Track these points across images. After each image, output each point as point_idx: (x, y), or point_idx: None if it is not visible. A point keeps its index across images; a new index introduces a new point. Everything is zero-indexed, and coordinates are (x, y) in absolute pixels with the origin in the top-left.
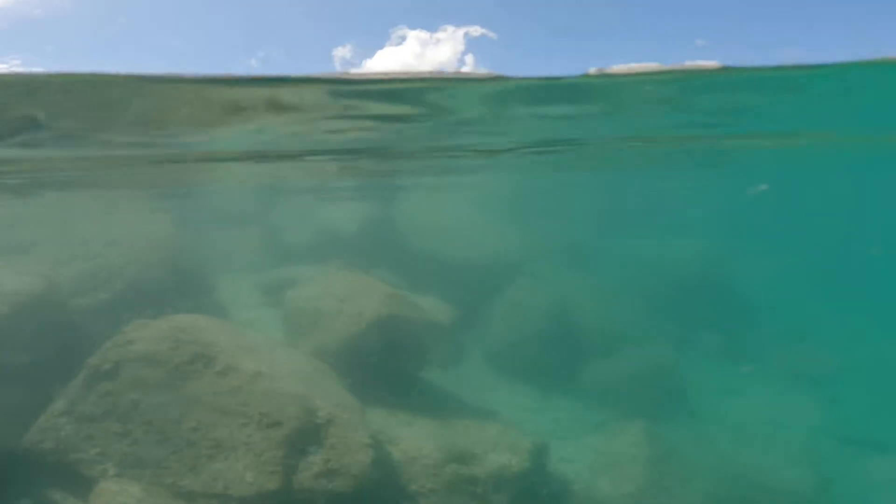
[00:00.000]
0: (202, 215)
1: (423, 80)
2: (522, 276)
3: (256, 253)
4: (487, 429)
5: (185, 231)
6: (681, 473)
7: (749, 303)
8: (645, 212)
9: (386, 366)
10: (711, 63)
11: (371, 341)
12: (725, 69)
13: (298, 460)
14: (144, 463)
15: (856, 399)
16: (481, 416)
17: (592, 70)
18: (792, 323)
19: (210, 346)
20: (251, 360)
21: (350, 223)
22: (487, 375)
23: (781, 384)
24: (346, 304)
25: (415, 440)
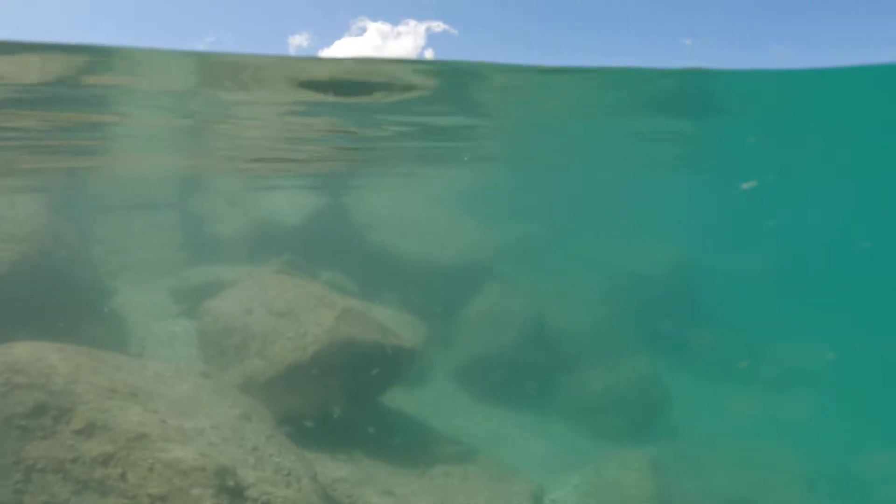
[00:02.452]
0: (94, 195)
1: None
2: (493, 280)
3: (169, 247)
4: (471, 480)
5: (68, 217)
6: None
7: (733, 306)
8: (619, 209)
9: (339, 402)
10: None
11: (319, 372)
12: None
13: None
14: None
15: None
16: (459, 459)
17: None
18: (779, 324)
19: (64, 392)
20: (134, 411)
21: (293, 213)
22: (457, 397)
23: (770, 390)
24: (287, 322)
25: None
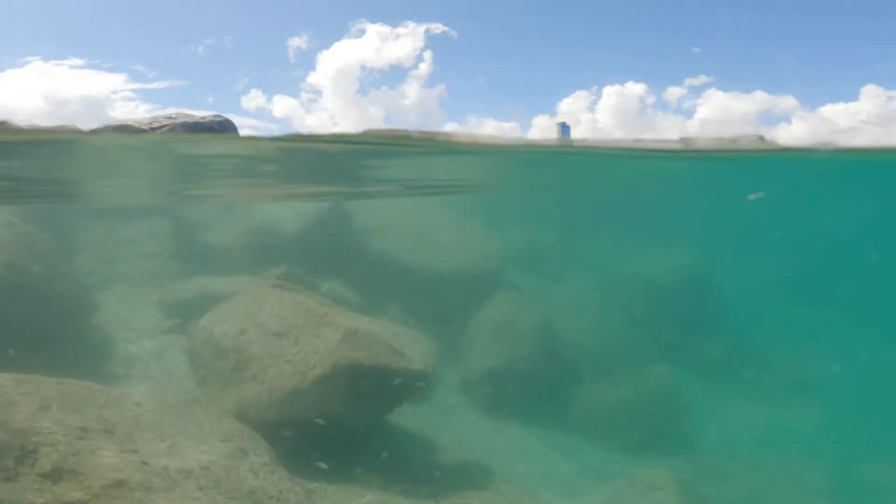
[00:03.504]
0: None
1: None
2: (501, 288)
3: (160, 256)
4: None
5: (49, 225)
6: None
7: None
8: (632, 218)
9: (344, 429)
10: None
11: (321, 399)
12: None
13: None
14: None
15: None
16: (475, 483)
17: None
18: (794, 333)
19: (25, 431)
20: (110, 452)
21: (293, 220)
22: (467, 412)
23: (786, 398)
24: (285, 343)
25: None
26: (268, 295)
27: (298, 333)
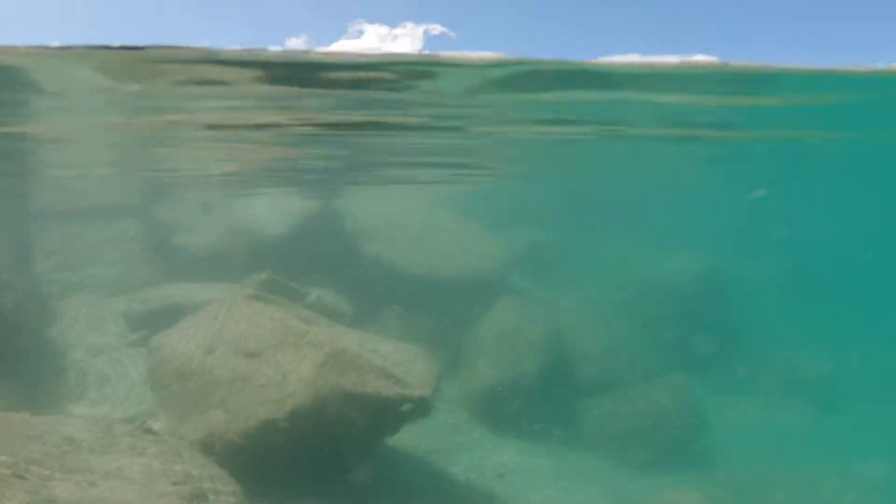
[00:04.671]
0: (35, 200)
1: None
2: (504, 294)
3: (129, 261)
4: None
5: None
6: None
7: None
8: (638, 212)
9: (328, 465)
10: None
11: (300, 431)
12: None
13: None
14: None
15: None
16: None
17: None
18: (815, 339)
19: None
20: (16, 502)
21: (277, 221)
22: (471, 430)
23: (808, 405)
24: (259, 365)
25: None
26: (241, 308)
27: (275, 354)
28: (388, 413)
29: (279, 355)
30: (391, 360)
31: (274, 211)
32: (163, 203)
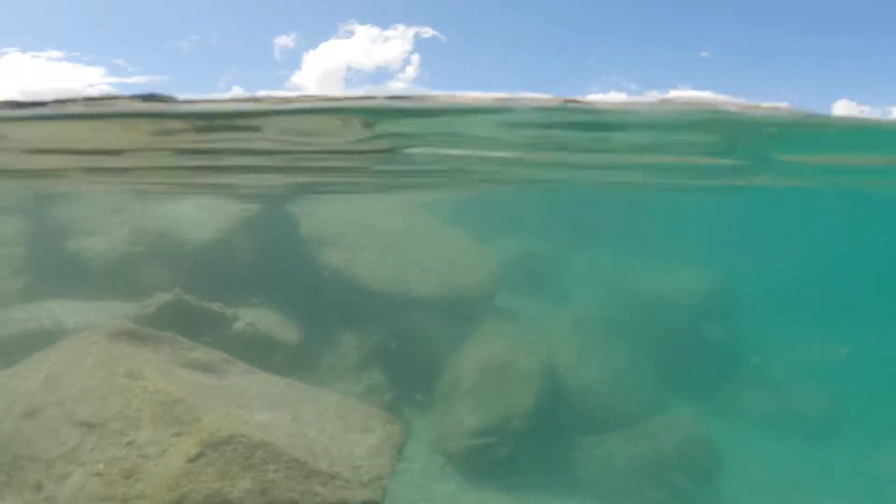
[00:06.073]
0: None
1: None
2: (489, 316)
3: (2, 270)
4: None
5: None
6: None
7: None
8: (638, 222)
9: None
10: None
11: None
12: None
13: None
14: None
15: None
16: None
17: None
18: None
19: None
20: None
21: (205, 223)
22: (449, 484)
23: (823, 438)
24: (102, 443)
25: None
26: (94, 352)
27: (126, 429)
28: None
29: (134, 433)
30: (323, 444)
31: (203, 210)
32: (63, 198)
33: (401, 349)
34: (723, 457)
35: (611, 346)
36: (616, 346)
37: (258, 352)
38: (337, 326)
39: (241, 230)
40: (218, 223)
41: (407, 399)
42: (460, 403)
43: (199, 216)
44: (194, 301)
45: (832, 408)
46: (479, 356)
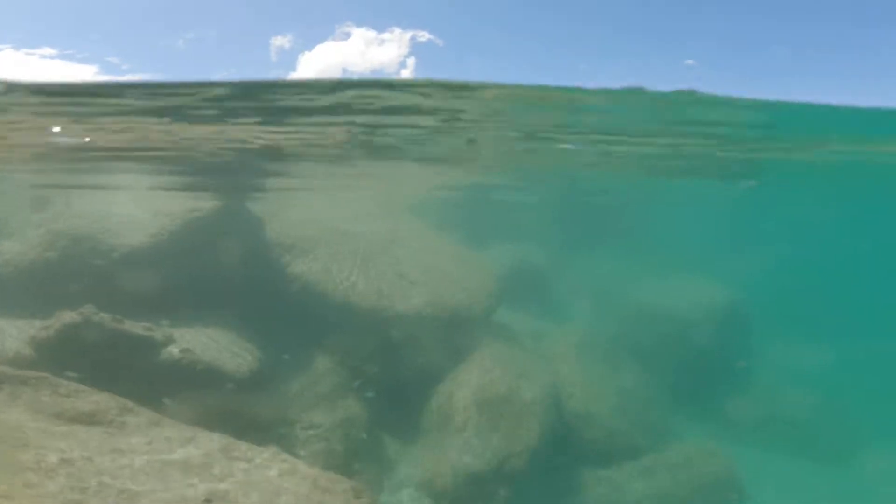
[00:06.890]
0: None
1: None
2: (484, 337)
3: None
4: None
5: None
6: None
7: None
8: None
9: None
10: None
11: None
12: None
13: None
14: None
15: None
16: None
17: None
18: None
19: None
20: None
21: (145, 227)
22: None
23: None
24: None
25: None
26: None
27: None
28: None
29: None
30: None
31: (142, 208)
32: None
33: (381, 377)
34: (746, 491)
35: (617, 366)
36: (622, 367)
37: (199, 384)
38: (307, 348)
39: (185, 234)
40: (156, 224)
41: (389, 432)
42: (452, 439)
43: (136, 215)
44: (109, 322)
45: (856, 435)
46: (473, 386)
